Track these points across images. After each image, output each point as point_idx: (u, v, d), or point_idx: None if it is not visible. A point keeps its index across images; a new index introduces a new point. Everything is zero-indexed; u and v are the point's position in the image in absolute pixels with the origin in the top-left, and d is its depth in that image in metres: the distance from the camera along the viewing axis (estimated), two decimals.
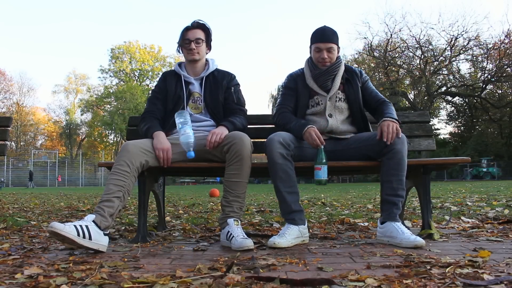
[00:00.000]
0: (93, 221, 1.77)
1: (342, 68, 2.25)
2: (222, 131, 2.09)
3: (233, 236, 1.87)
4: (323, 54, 2.16)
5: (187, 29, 2.27)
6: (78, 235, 1.68)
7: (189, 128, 2.08)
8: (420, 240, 1.80)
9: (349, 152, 2.15)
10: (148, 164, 2.03)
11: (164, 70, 46.57)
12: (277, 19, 77.43)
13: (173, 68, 2.41)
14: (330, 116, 2.21)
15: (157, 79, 2.50)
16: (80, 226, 1.71)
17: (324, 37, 2.17)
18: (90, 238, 1.71)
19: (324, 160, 1.98)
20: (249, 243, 1.81)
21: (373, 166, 2.13)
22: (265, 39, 79.00)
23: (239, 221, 1.99)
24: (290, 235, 1.93)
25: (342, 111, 2.23)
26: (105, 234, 1.79)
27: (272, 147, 1.98)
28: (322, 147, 2.00)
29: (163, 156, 2.04)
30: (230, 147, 2.00)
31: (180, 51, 2.32)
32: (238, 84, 2.38)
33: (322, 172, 1.98)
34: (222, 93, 2.30)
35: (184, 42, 2.26)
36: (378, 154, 2.04)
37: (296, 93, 2.27)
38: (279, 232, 2.01)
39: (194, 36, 2.25)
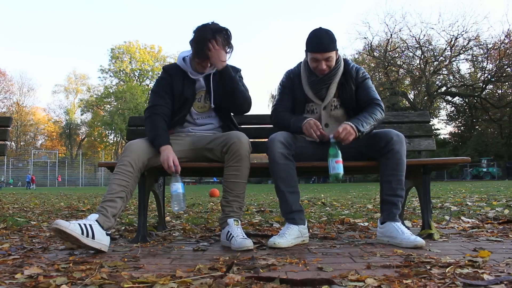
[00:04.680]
0: (96, 221, 1.76)
1: (340, 73, 2.14)
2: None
3: (232, 236, 1.87)
4: (321, 65, 2.04)
5: (208, 38, 2.04)
6: (82, 233, 1.68)
7: (181, 187, 1.97)
8: (420, 240, 1.80)
9: (348, 152, 2.13)
10: (151, 163, 2.02)
11: None
12: (277, 19, 77.41)
13: (175, 62, 2.27)
14: (327, 126, 2.15)
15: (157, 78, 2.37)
16: (84, 225, 1.71)
17: (321, 46, 2.01)
18: (93, 237, 1.71)
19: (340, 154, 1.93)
20: (249, 243, 1.81)
21: (373, 166, 2.12)
22: (265, 39, 79.02)
23: (239, 221, 1.98)
24: (290, 235, 1.93)
25: (338, 119, 2.17)
26: (107, 234, 1.79)
27: (274, 147, 1.97)
28: (334, 141, 1.94)
29: (170, 165, 1.94)
30: (229, 147, 1.99)
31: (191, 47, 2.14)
32: (242, 78, 2.31)
33: (342, 166, 1.91)
34: None
35: (201, 54, 2.08)
36: (376, 155, 2.04)
37: (292, 93, 2.22)
38: (279, 232, 2.01)
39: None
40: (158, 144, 2.00)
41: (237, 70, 2.26)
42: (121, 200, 1.88)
